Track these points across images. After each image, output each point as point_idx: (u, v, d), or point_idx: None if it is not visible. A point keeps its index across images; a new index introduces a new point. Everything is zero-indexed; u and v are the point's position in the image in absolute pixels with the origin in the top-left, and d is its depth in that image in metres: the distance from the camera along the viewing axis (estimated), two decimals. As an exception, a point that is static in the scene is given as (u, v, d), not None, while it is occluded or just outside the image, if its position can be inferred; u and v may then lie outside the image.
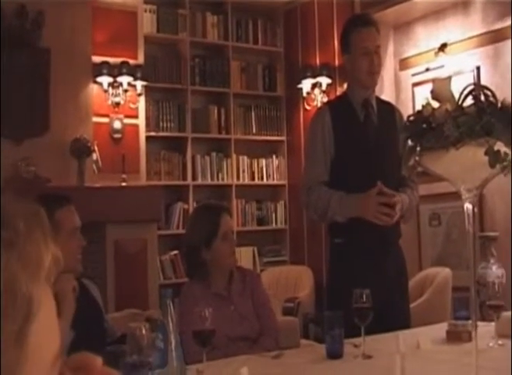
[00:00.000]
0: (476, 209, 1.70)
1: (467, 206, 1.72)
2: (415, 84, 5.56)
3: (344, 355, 2.16)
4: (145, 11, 5.89)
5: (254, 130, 6.52)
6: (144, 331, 1.60)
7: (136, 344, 1.59)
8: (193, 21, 6.29)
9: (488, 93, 1.75)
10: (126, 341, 1.62)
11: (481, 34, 5.08)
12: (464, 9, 5.21)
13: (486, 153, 1.58)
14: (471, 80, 4.95)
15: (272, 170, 6.58)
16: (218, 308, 2.24)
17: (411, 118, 1.78)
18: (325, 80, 5.99)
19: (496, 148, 1.60)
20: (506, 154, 1.60)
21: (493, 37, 4.99)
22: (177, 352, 1.73)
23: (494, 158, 1.57)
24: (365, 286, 2.22)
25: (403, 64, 5.75)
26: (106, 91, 5.49)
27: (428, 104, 1.74)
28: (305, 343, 4.21)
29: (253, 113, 6.55)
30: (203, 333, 1.96)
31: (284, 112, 6.65)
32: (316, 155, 2.85)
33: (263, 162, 6.56)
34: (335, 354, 2.16)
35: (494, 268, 4.22)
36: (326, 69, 5.98)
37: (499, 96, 1.82)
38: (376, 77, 2.90)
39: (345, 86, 3.07)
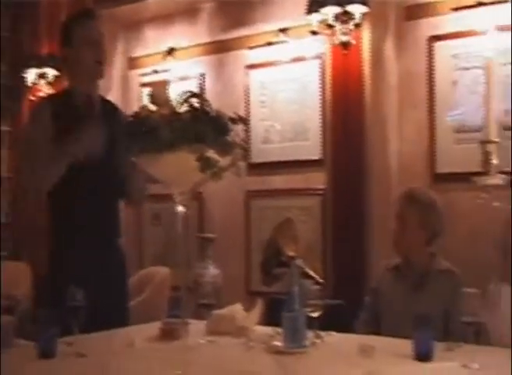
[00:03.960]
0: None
1: (179, 209, 1.81)
2: (143, 85, 5.60)
3: (57, 354, 2.12)
4: None
5: (-28, 119, 6.12)
6: None
7: None
8: None
9: (205, 102, 1.86)
10: None
11: (207, 43, 5.28)
12: (191, 18, 5.37)
13: (198, 159, 1.68)
14: (196, 86, 5.17)
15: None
16: None
17: (130, 119, 1.82)
18: (51, 72, 5.80)
19: (207, 154, 1.71)
20: (216, 161, 1.71)
21: (217, 48, 5.21)
22: None
23: (204, 164, 1.67)
24: (83, 283, 2.22)
25: (132, 63, 5.79)
26: None
27: (145, 106, 1.79)
28: (22, 343, 4.04)
29: (-29, 100, 6.14)
30: None
31: (8, 101, 6.32)
32: (39, 157, 2.73)
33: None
34: (47, 353, 2.11)
35: (211, 268, 4.42)
36: (53, 61, 5.78)
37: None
38: (103, 68, 2.87)
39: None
